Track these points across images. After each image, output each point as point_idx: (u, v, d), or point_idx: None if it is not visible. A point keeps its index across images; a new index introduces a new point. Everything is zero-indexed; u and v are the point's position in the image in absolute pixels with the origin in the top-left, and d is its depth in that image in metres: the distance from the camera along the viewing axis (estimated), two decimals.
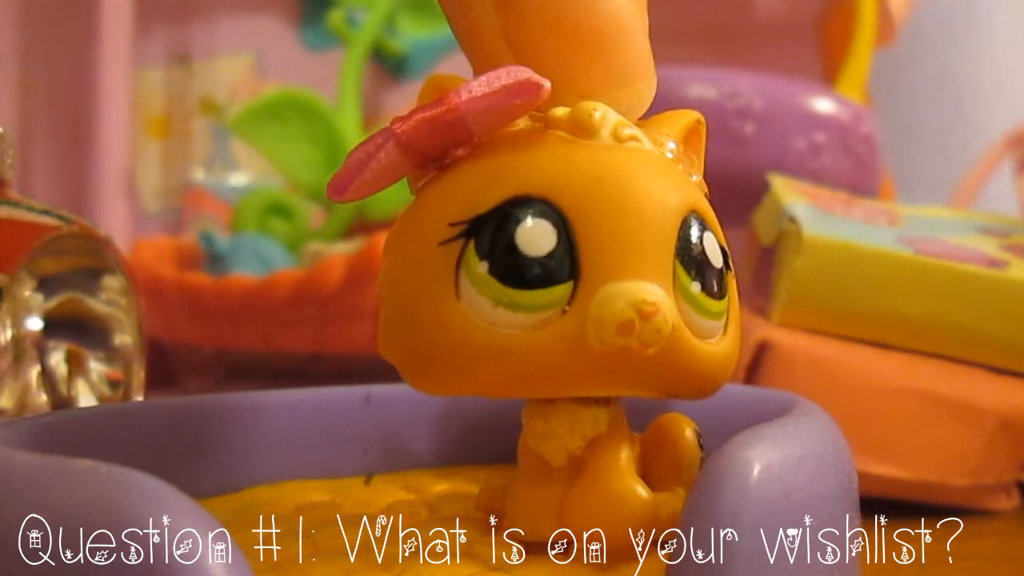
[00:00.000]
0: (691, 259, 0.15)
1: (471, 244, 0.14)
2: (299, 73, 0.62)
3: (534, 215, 0.14)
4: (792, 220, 0.29)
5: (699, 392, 0.16)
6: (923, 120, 0.66)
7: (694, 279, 0.15)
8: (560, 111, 0.15)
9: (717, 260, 0.15)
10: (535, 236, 0.14)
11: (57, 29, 0.63)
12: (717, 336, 0.15)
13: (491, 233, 0.14)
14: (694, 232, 0.15)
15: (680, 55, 0.43)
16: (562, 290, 0.14)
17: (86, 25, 0.62)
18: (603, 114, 0.15)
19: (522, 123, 0.15)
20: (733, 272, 0.16)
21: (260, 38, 0.68)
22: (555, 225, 0.14)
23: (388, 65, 0.56)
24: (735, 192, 0.27)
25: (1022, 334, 0.28)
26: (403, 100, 0.59)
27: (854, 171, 0.40)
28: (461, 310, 0.14)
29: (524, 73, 0.14)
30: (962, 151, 0.64)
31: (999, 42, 0.66)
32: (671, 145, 0.16)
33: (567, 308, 0.14)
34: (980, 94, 0.66)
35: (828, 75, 0.48)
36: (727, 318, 0.16)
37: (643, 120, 0.16)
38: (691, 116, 0.17)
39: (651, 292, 0.14)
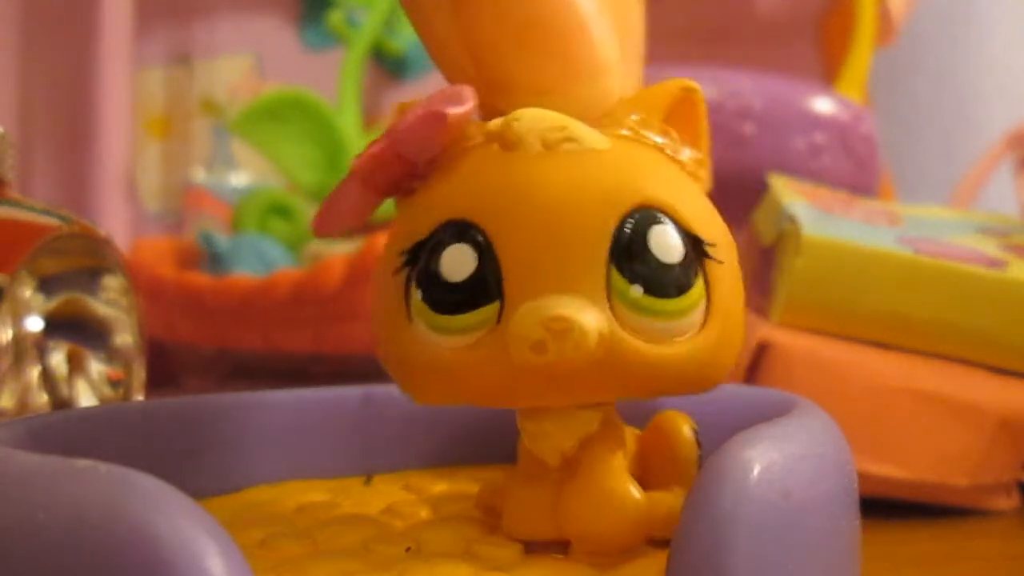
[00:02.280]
0: (629, 261, 0.14)
1: (413, 272, 0.15)
2: (299, 73, 0.62)
3: (456, 240, 0.14)
4: (792, 220, 0.29)
5: (670, 391, 0.15)
6: (923, 120, 0.66)
7: (633, 283, 0.14)
8: (495, 124, 0.15)
9: (671, 255, 0.14)
10: (455, 261, 0.14)
11: (57, 29, 0.63)
12: (686, 334, 0.15)
13: (423, 261, 0.15)
14: (635, 230, 0.14)
15: (680, 55, 0.43)
16: (488, 311, 0.14)
17: (86, 25, 0.62)
18: (527, 122, 0.14)
19: (477, 136, 0.15)
20: (721, 259, 0.15)
21: (260, 38, 0.68)
22: (475, 248, 0.14)
23: (388, 65, 0.56)
24: (735, 192, 0.27)
25: (1022, 334, 0.28)
26: (403, 100, 0.59)
27: (854, 171, 0.40)
28: (412, 333, 0.15)
29: (453, 91, 0.14)
30: (962, 151, 0.64)
31: (999, 42, 0.66)
32: (650, 135, 0.15)
33: (495, 328, 0.14)
34: (980, 94, 0.66)
35: (828, 75, 0.48)
36: (707, 311, 0.15)
37: (626, 99, 0.16)
38: (675, 87, 0.16)
39: (564, 307, 0.14)
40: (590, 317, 0.14)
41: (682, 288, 0.14)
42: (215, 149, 0.66)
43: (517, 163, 0.14)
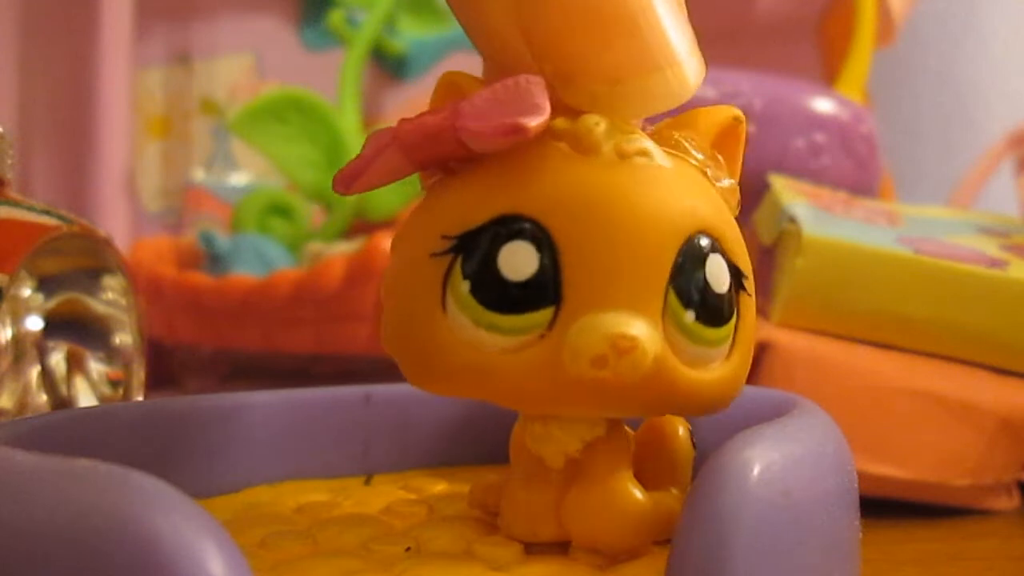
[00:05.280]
0: (687, 286, 0.14)
1: (458, 261, 0.14)
2: (299, 73, 0.62)
3: (519, 237, 0.14)
4: (792, 220, 0.29)
5: (692, 413, 0.16)
6: (923, 120, 0.66)
7: (688, 308, 0.14)
8: (562, 122, 0.14)
9: (721, 285, 0.15)
10: (517, 259, 0.14)
11: (57, 29, 0.63)
12: (717, 362, 0.15)
13: (476, 252, 0.14)
14: (695, 256, 0.14)
15: None
16: (542, 315, 0.14)
17: (86, 25, 0.62)
18: (605, 128, 0.14)
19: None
20: (750, 292, 0.15)
21: (260, 38, 0.68)
22: (539, 249, 0.14)
23: (388, 65, 0.56)
24: None
25: (1022, 334, 0.28)
26: (403, 100, 0.59)
27: (854, 171, 0.40)
28: (447, 325, 0.14)
29: (527, 93, 0.14)
30: (962, 151, 0.64)
31: (999, 42, 0.66)
32: (697, 155, 0.15)
33: (546, 333, 0.14)
34: (980, 94, 0.66)
35: (828, 75, 0.48)
36: (733, 342, 0.15)
37: (673, 118, 0.16)
38: (726, 114, 0.16)
39: (630, 326, 0.14)
40: (652, 339, 0.14)
41: (725, 318, 0.15)
42: (215, 149, 0.66)
43: (591, 169, 0.14)
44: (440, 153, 0.14)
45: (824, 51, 0.50)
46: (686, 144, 0.15)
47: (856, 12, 0.45)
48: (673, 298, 0.14)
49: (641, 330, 0.14)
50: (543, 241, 0.14)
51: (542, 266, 0.14)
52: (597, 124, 0.14)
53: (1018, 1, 0.66)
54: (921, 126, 0.66)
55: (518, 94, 0.14)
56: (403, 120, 0.14)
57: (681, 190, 0.15)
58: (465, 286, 0.14)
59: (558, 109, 0.14)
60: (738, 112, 0.16)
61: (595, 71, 0.15)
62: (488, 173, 0.15)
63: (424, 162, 0.15)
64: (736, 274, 0.15)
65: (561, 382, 0.14)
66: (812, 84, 0.42)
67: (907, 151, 0.65)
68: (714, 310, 0.15)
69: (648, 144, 0.15)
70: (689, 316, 0.14)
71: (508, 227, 0.14)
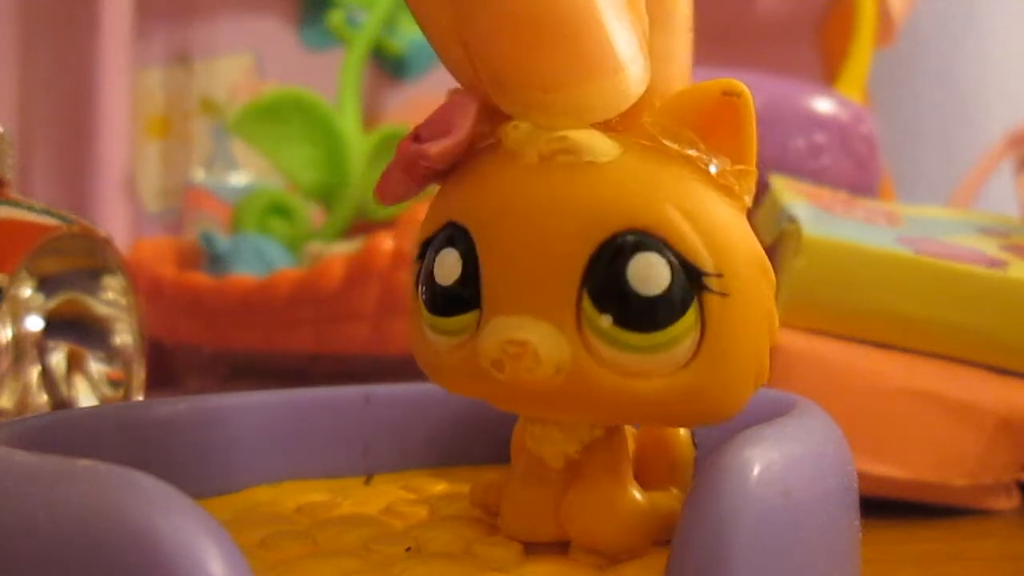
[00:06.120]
0: (602, 289, 0.13)
1: (420, 267, 0.15)
2: (299, 73, 0.62)
3: (449, 244, 0.15)
4: (792, 220, 0.29)
5: (663, 423, 0.16)
6: (924, 120, 0.66)
7: (604, 312, 0.13)
8: (501, 129, 0.14)
9: (651, 286, 0.13)
10: (445, 265, 0.15)
11: (57, 29, 0.63)
12: (666, 369, 0.14)
13: (426, 259, 0.15)
14: (613, 256, 0.13)
15: None
16: (469, 319, 0.14)
17: (86, 25, 0.62)
18: (526, 130, 0.14)
19: (492, 136, 0.15)
20: (727, 292, 0.14)
21: (260, 38, 0.68)
22: (462, 255, 0.14)
23: (388, 65, 0.56)
24: None
25: (1022, 334, 0.28)
26: (403, 100, 0.59)
27: (854, 171, 0.39)
28: (420, 324, 0.15)
29: (450, 112, 0.14)
30: (962, 151, 0.64)
31: (999, 42, 0.66)
32: (670, 143, 0.14)
33: (474, 335, 0.14)
34: (980, 94, 0.66)
35: (828, 75, 0.48)
36: (699, 347, 0.14)
37: (652, 105, 0.14)
38: (711, 91, 0.14)
39: (523, 330, 0.13)
40: (548, 344, 0.13)
41: (660, 322, 0.13)
42: (215, 149, 0.66)
43: (512, 172, 0.14)
44: (421, 171, 0.15)
45: (824, 51, 0.50)
46: (659, 133, 0.14)
47: (856, 12, 0.45)
48: (587, 302, 0.13)
49: (536, 334, 0.13)
50: (467, 247, 0.14)
51: (465, 271, 0.14)
52: (515, 127, 0.14)
53: (1018, 1, 0.66)
54: (921, 126, 0.66)
55: (448, 113, 0.15)
56: (401, 141, 0.15)
57: (610, 185, 0.14)
58: (420, 290, 0.15)
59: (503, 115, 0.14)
60: (731, 85, 0.14)
61: (529, 78, 0.14)
62: (448, 183, 0.15)
63: (419, 180, 0.15)
64: (694, 273, 0.13)
65: (486, 382, 0.14)
66: (812, 84, 0.42)
67: (907, 151, 0.65)
68: (639, 314, 0.13)
69: (578, 140, 0.14)
70: (605, 320, 0.13)
71: (444, 235, 0.15)
